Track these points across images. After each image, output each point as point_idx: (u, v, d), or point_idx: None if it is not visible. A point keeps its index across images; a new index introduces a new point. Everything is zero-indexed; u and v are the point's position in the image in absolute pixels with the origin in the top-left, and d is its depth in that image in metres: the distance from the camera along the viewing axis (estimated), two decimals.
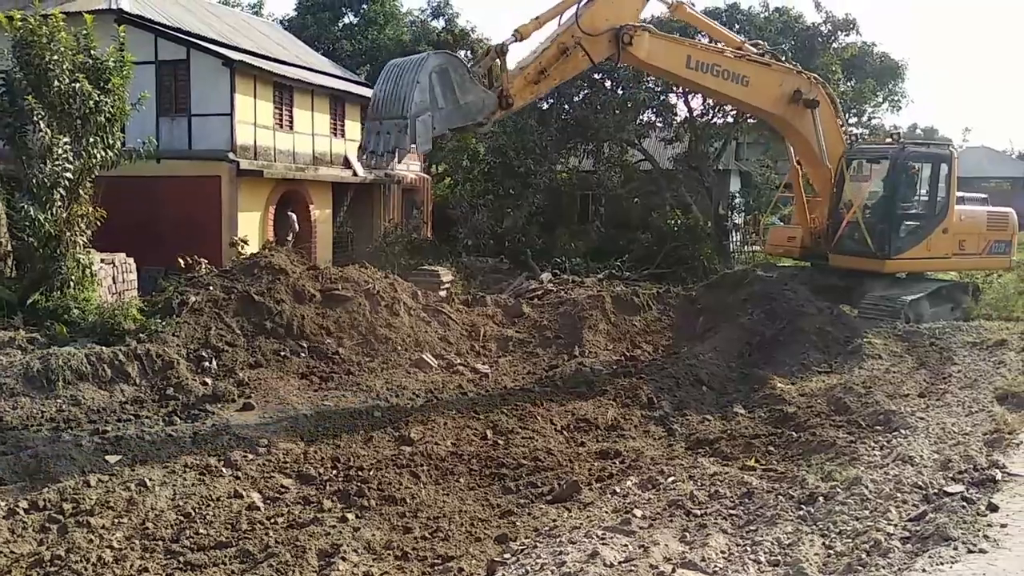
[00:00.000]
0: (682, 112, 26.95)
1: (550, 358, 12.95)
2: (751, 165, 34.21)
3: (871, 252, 14.73)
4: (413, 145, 10.37)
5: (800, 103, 14.18)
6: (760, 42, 15.59)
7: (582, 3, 11.91)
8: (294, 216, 21.68)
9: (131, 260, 14.21)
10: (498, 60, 11.18)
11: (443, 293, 15.27)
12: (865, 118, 33.42)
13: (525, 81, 11.58)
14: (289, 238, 20.23)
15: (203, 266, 13.82)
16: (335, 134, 24.72)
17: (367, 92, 27.84)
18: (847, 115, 31.20)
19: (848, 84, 28.92)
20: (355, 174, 24.99)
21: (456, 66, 10.69)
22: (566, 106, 26.04)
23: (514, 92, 11.29)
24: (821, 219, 15.74)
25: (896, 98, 32.56)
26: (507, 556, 6.06)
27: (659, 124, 27.40)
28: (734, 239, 28.63)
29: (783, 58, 14.95)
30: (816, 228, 15.84)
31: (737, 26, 26.12)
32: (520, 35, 11.72)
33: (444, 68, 10.39)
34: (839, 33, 26.65)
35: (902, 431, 7.82)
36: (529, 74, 11.63)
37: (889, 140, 16.95)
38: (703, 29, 15.66)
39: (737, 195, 31.47)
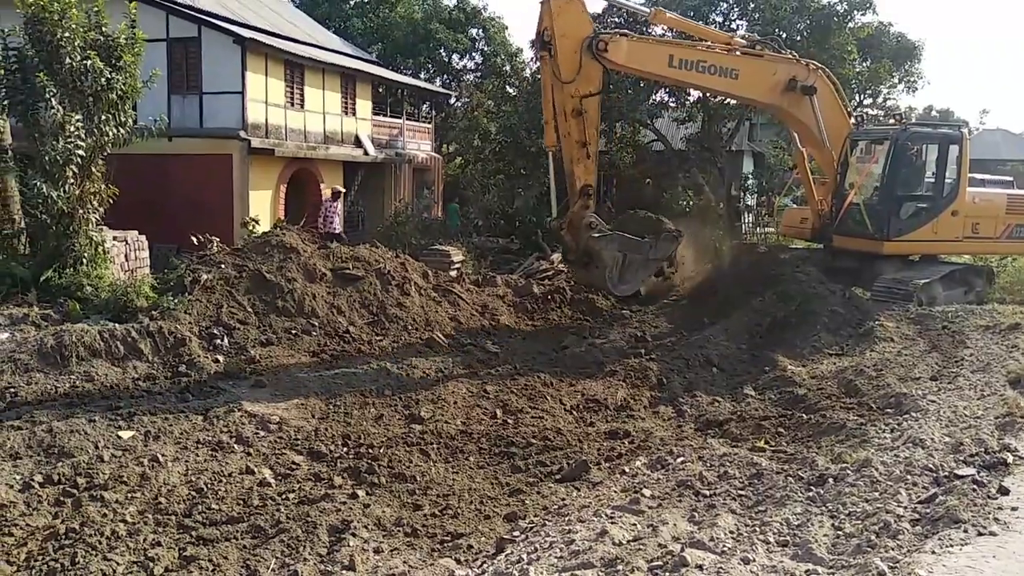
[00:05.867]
0: (695, 92, 26.75)
1: (560, 338, 12.95)
2: (764, 146, 33.97)
3: (870, 233, 14.63)
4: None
5: (797, 91, 14.06)
6: (749, 34, 15.52)
7: (555, 67, 12.47)
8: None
9: (143, 238, 14.26)
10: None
11: (454, 273, 15.28)
12: (881, 99, 33.09)
13: (582, 162, 13.01)
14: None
15: (215, 244, 13.86)
16: (346, 113, 24.67)
17: (378, 71, 27.85)
18: (862, 96, 30.94)
19: (864, 64, 28.60)
20: (366, 153, 24.97)
21: None
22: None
23: (586, 179, 13.18)
24: (828, 201, 15.65)
25: (912, 79, 32.17)
26: (516, 534, 6.10)
27: (672, 104, 27.18)
28: (746, 221, 28.48)
29: (777, 47, 14.83)
30: (824, 210, 15.77)
31: (752, 5, 25.83)
32: (549, 147, 13.67)
33: None
34: (855, 12, 26.29)
35: (913, 414, 7.78)
36: (578, 157, 12.90)
37: (892, 121, 16.76)
38: (686, 31, 15.62)
39: (750, 176, 31.28)
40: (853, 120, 15.59)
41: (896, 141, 14.73)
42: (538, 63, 13.63)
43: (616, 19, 24.11)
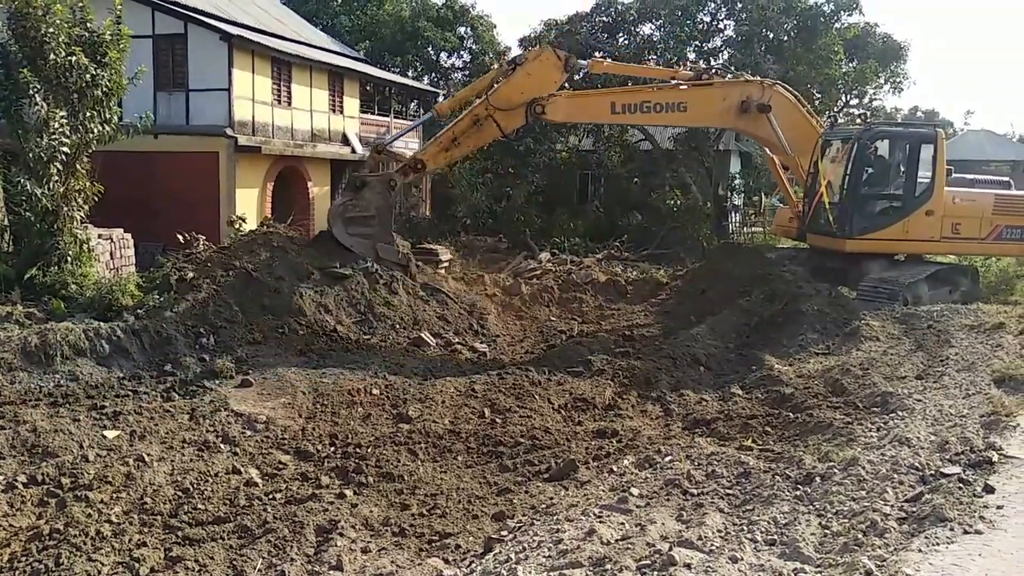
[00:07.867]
0: None
1: (548, 337, 12.95)
2: (751, 146, 33.97)
3: (833, 231, 14.73)
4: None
5: (752, 111, 14.18)
6: (696, 64, 15.72)
7: (499, 85, 12.43)
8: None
9: (129, 236, 14.16)
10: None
11: (442, 271, 15.24)
12: (867, 99, 33.28)
13: (438, 148, 13.17)
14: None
15: (201, 242, 13.76)
16: (333, 110, 24.57)
17: (366, 68, 27.74)
18: (848, 96, 31.11)
19: (850, 65, 28.76)
20: (353, 151, 24.86)
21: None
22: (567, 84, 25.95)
23: (427, 158, 13.28)
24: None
25: (898, 80, 32.39)
26: (504, 533, 6.09)
27: None
28: (733, 220, 28.57)
29: (725, 72, 15.05)
30: (800, 209, 15.92)
31: (739, 5, 25.92)
32: (438, 113, 13.88)
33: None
34: (841, 13, 26.45)
35: (899, 413, 7.83)
36: (442, 142, 13.11)
37: (859, 121, 16.86)
38: (625, 73, 15.88)
39: (737, 176, 31.34)
40: (828, 120, 15.65)
41: (859, 140, 14.79)
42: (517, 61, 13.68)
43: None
